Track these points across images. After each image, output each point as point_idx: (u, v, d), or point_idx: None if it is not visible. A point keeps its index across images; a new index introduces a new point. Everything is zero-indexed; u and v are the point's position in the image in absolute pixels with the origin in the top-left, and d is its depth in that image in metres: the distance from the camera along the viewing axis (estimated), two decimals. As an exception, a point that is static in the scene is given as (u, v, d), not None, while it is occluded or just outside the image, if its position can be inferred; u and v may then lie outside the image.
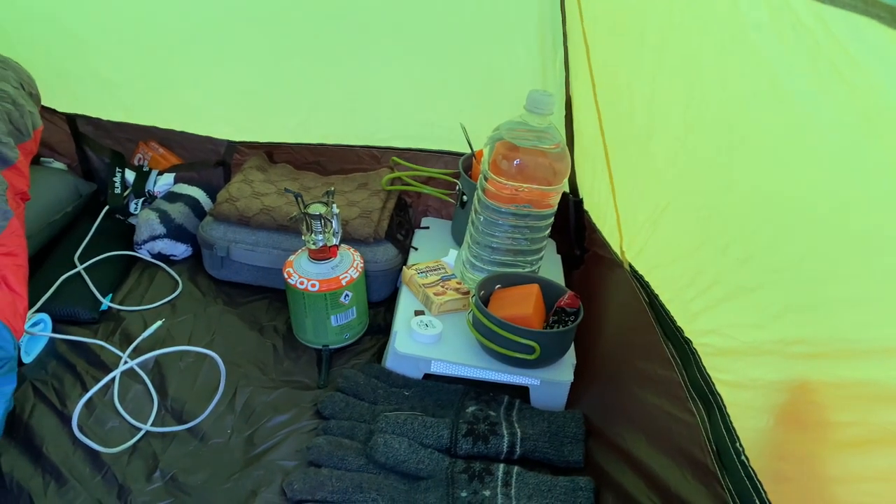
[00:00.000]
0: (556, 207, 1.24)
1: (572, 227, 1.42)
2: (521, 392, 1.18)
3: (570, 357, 1.20)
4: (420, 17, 1.39)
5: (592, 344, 1.20)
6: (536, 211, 1.22)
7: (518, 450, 1.07)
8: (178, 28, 1.46)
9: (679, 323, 0.93)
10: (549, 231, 1.27)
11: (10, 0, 1.44)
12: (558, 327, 1.17)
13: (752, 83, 0.71)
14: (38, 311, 1.26)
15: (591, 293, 1.25)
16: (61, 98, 1.58)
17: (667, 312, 0.97)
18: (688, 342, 0.89)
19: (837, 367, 0.60)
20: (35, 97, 1.35)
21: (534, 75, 1.40)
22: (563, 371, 1.17)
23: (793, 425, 0.65)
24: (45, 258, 1.41)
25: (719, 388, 0.81)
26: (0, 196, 1.12)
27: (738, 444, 0.74)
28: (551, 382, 1.16)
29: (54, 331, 1.24)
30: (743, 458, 0.72)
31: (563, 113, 1.39)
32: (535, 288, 1.19)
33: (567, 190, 1.41)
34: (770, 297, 0.70)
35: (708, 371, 0.84)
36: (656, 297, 1.01)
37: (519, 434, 1.08)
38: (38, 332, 1.21)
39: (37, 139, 1.30)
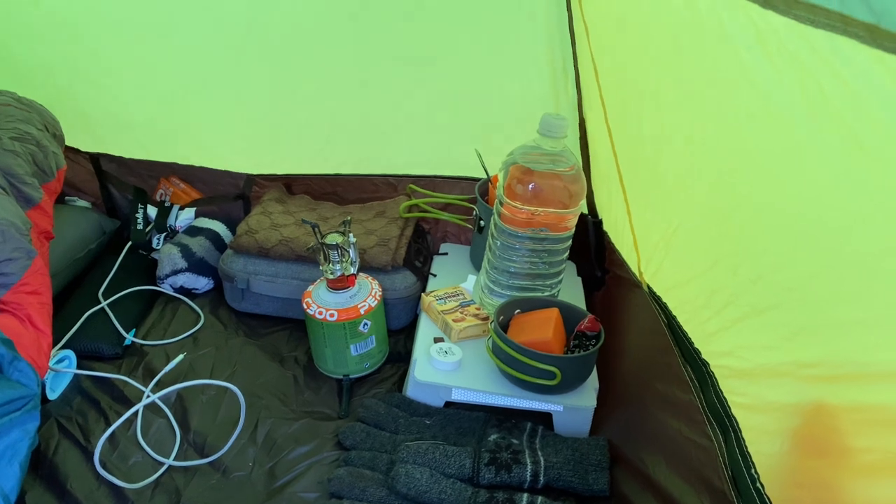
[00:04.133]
0: (573, 230, 1.23)
1: (592, 247, 1.41)
2: (544, 418, 1.17)
3: (593, 382, 1.18)
4: (431, 46, 1.40)
5: (615, 367, 1.18)
6: (554, 234, 1.21)
7: (542, 479, 1.05)
8: (192, 67, 1.49)
9: (696, 344, 0.92)
10: (567, 254, 1.26)
11: (34, 48, 1.48)
12: (579, 352, 1.15)
13: (748, 103, 0.71)
14: (62, 347, 1.28)
15: (613, 315, 1.24)
16: (84, 138, 1.61)
17: (684, 334, 0.95)
18: (705, 364, 0.88)
19: (852, 390, 0.58)
20: (59, 138, 1.38)
21: (546, 99, 1.40)
22: (586, 396, 1.16)
23: (809, 451, 0.63)
24: (69, 295, 1.43)
25: (735, 411, 0.79)
26: (24, 236, 1.14)
27: (753, 471, 0.71)
28: (574, 408, 1.15)
29: (79, 367, 1.25)
30: (758, 484, 0.70)
31: (578, 135, 1.39)
32: (554, 312, 1.18)
33: (585, 211, 1.40)
34: (782, 318, 0.69)
35: (724, 394, 0.82)
36: (674, 318, 1.00)
37: (542, 462, 1.06)
38: (62, 369, 1.22)
39: (60, 179, 1.33)
